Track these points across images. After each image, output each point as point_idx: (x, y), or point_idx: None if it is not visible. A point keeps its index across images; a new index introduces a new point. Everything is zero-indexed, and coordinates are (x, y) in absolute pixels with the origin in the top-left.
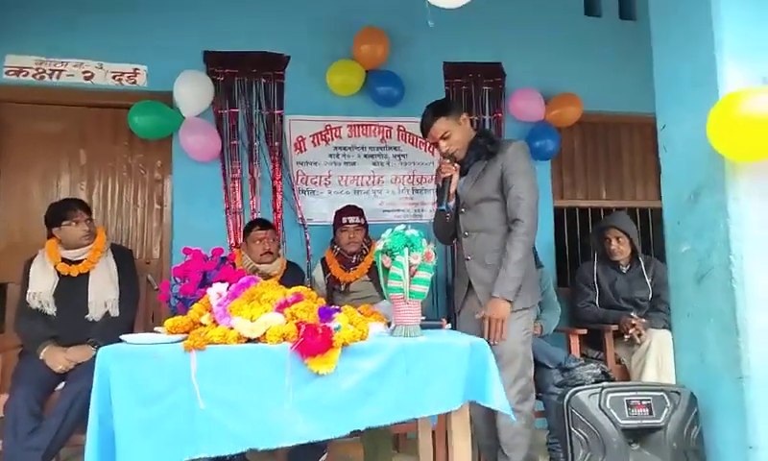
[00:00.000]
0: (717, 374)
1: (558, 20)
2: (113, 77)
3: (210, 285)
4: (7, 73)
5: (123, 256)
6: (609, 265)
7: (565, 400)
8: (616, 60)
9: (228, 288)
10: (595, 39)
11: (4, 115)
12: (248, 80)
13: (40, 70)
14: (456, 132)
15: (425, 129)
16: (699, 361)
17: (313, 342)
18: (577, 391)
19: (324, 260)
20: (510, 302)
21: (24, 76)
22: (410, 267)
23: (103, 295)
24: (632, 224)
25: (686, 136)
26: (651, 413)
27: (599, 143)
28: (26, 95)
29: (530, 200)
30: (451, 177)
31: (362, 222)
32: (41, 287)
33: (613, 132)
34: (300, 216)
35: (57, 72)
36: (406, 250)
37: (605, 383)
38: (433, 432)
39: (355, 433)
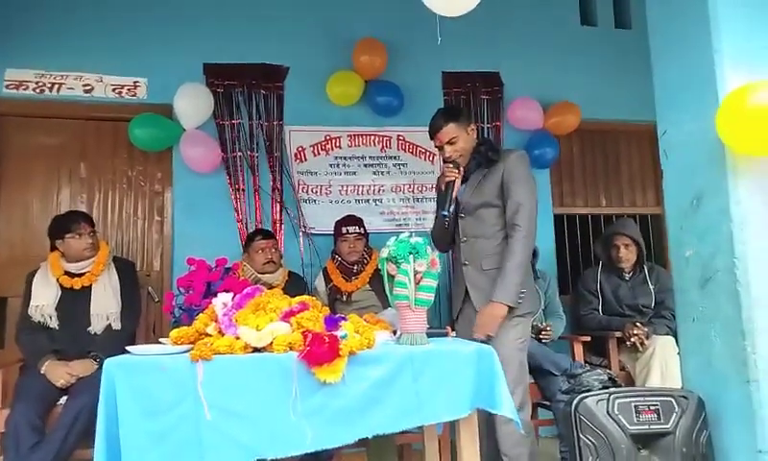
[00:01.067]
0: (725, 378)
1: (554, 30)
2: (113, 90)
3: (215, 295)
4: (7, 86)
5: (125, 269)
6: (612, 272)
7: (573, 407)
8: (613, 69)
9: (232, 298)
10: (592, 48)
11: (4, 129)
12: (248, 91)
13: (40, 84)
14: (462, 139)
15: (434, 131)
16: (706, 365)
17: (320, 351)
18: (584, 397)
19: (325, 270)
20: (508, 306)
21: (24, 89)
22: (415, 274)
23: (105, 308)
24: (638, 231)
25: (687, 141)
26: (659, 418)
27: (597, 151)
28: (26, 109)
29: (529, 206)
30: (454, 182)
31: (362, 231)
32: (44, 300)
33: (611, 139)
34: (302, 225)
35: (57, 85)
36: (411, 257)
37: (612, 389)
38: (438, 441)
39: (361, 443)
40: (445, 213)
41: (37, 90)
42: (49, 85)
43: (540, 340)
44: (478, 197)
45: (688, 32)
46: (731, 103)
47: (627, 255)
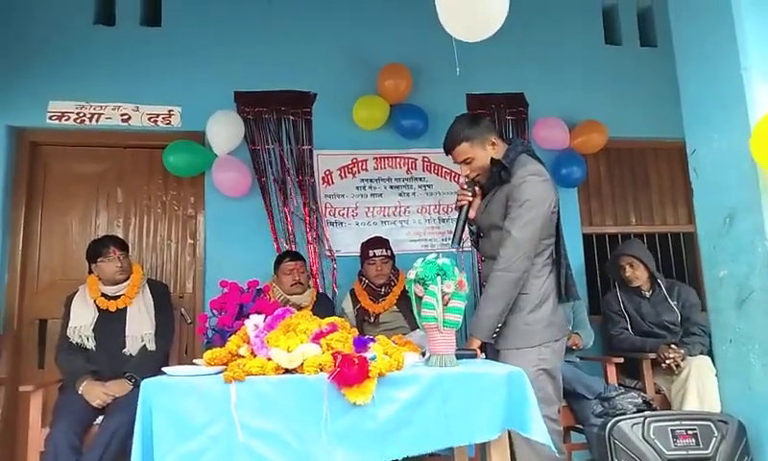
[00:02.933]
0: (765, 401)
1: (579, 49)
2: (149, 119)
3: (247, 317)
4: (50, 118)
5: (159, 291)
6: (631, 292)
7: (607, 431)
8: (639, 87)
9: (264, 320)
10: (617, 67)
11: (46, 158)
12: (277, 117)
13: (81, 114)
14: (480, 157)
15: (447, 151)
16: (745, 388)
17: (350, 372)
18: (619, 421)
19: (353, 292)
20: (480, 340)
21: (66, 120)
22: (443, 296)
23: (140, 329)
24: (644, 249)
25: (718, 159)
26: (698, 443)
27: (625, 169)
28: (67, 138)
29: (518, 234)
30: (469, 205)
31: (389, 254)
32: (82, 322)
33: (639, 157)
34: (328, 248)
35: (96, 115)
36: (439, 278)
37: (647, 412)
38: None
39: None
40: (454, 244)
41: (78, 121)
42: (89, 116)
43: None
44: (487, 218)
45: (715, 50)
46: (765, 126)
47: (635, 274)
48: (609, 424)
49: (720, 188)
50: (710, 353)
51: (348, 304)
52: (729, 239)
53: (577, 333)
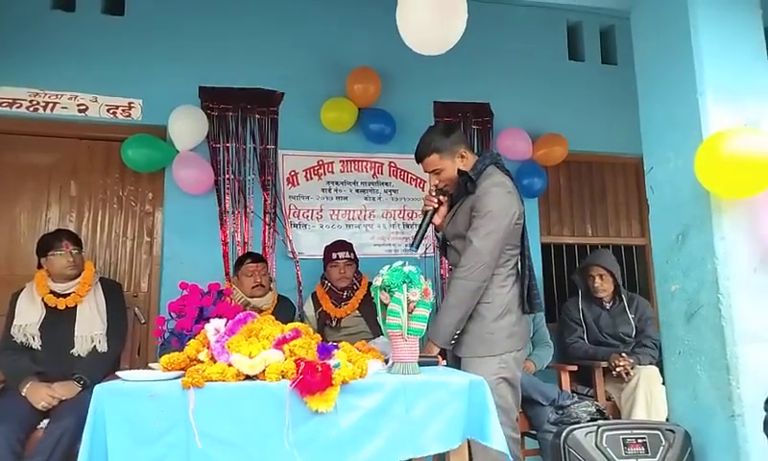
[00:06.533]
0: (710, 411)
1: (543, 64)
2: (108, 110)
3: (207, 321)
4: (0, 105)
5: (112, 290)
6: (593, 302)
7: (562, 439)
8: (599, 103)
9: (225, 324)
10: (579, 82)
11: None
12: (242, 115)
13: (34, 102)
14: (449, 168)
15: (418, 159)
16: (692, 399)
17: (313, 380)
18: (574, 429)
19: (314, 295)
20: (438, 346)
21: (17, 108)
22: (408, 303)
23: (90, 329)
24: (614, 261)
25: (673, 178)
26: (647, 451)
27: (584, 182)
28: (18, 127)
29: (479, 244)
30: (435, 210)
31: (352, 257)
32: (28, 320)
33: (598, 171)
34: (290, 249)
35: (51, 104)
36: (405, 286)
37: (600, 421)
38: None
39: None
40: (413, 248)
41: (31, 109)
42: (43, 104)
43: None
44: (453, 227)
45: (673, 72)
46: (706, 150)
47: (603, 285)
48: (563, 433)
49: (674, 206)
50: (660, 365)
51: (309, 308)
52: (681, 255)
53: (531, 361)
